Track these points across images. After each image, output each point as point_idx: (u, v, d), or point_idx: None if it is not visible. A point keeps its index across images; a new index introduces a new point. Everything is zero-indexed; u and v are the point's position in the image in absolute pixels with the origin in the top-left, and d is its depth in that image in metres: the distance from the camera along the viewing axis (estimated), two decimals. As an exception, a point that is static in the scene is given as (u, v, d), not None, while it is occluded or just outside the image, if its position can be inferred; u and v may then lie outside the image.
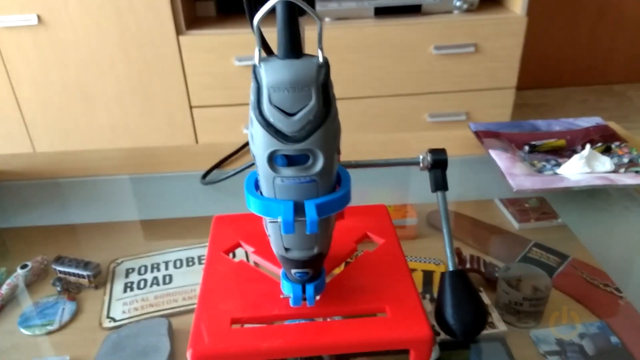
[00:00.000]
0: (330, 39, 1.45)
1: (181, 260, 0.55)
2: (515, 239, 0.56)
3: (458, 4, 1.49)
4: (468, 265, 0.51)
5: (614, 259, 0.51)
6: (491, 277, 0.49)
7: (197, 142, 1.59)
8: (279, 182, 0.29)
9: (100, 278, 0.52)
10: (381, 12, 1.47)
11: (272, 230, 0.32)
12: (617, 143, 0.60)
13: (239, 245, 0.44)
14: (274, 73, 0.27)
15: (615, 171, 0.55)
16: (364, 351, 0.34)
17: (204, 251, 0.55)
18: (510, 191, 0.59)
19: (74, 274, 0.51)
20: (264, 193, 0.30)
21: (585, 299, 0.48)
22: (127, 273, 0.54)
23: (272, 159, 0.29)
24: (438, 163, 0.38)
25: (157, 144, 1.58)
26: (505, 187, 0.60)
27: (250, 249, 0.43)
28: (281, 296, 0.35)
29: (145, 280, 0.53)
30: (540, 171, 0.58)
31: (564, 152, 0.63)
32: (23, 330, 0.46)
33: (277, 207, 0.30)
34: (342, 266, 0.46)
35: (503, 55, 1.53)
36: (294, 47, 0.27)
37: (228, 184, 0.62)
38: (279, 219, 0.29)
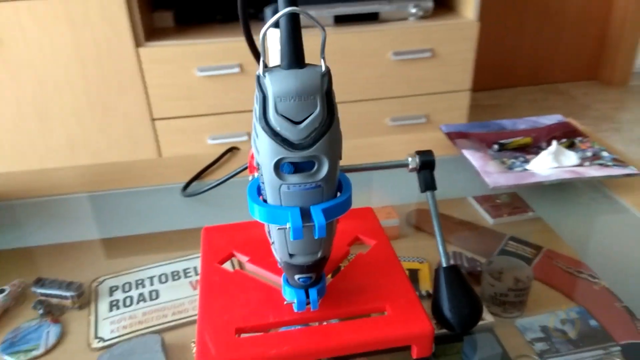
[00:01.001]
0: (291, 48, 1.46)
1: (166, 275, 0.55)
2: (492, 234, 0.58)
3: (413, 11, 1.53)
4: (452, 262, 0.53)
5: (587, 247, 0.54)
6: (474, 272, 0.51)
7: (160, 155, 1.56)
8: (285, 189, 0.30)
9: (84, 298, 0.51)
10: (340, 20, 1.50)
11: (277, 237, 0.32)
12: (579, 138, 0.64)
13: (232, 256, 0.44)
14: (281, 83, 0.28)
15: (580, 165, 0.58)
16: (368, 350, 0.35)
17: (190, 264, 0.55)
18: (484, 188, 0.61)
19: (56, 296, 0.50)
20: (269, 200, 0.31)
21: (563, 287, 0.51)
22: (111, 291, 0.52)
23: (278, 166, 0.29)
24: (426, 164, 0.39)
25: (118, 159, 1.54)
26: (478, 185, 0.63)
27: (244, 258, 0.43)
28: (285, 302, 0.36)
29: (131, 297, 0.52)
30: (510, 168, 0.61)
31: (531, 149, 0.66)
32: (7, 358, 0.45)
33: (284, 213, 0.30)
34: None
35: (458, 59, 1.59)
36: (298, 57, 0.28)
37: (207, 195, 0.62)
38: (287, 226, 0.30)
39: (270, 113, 0.28)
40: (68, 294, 0.50)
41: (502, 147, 0.65)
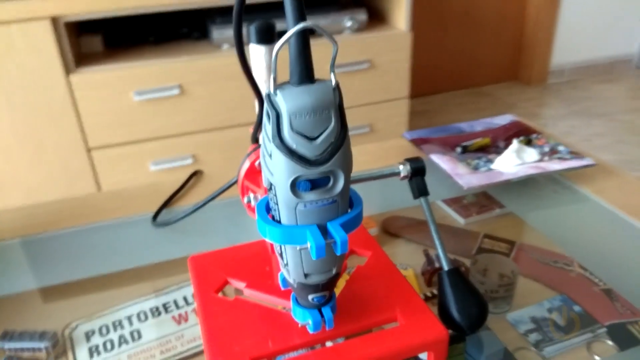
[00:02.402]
0: (231, 65, 1.44)
1: (145, 313, 0.51)
2: (467, 234, 0.60)
3: (349, 24, 1.57)
4: (437, 265, 0.53)
5: (557, 236, 0.56)
6: (460, 272, 0.52)
7: (99, 187, 1.48)
8: (301, 208, 0.29)
9: (59, 348, 0.47)
10: (279, 35, 1.50)
11: (292, 257, 0.31)
12: (534, 135, 0.68)
13: (226, 283, 0.42)
14: (295, 100, 0.27)
15: (541, 160, 0.61)
16: (389, 363, 0.34)
17: (169, 298, 0.52)
18: (455, 190, 0.63)
19: (28, 349, 0.45)
20: (284, 221, 0.30)
21: (542, 278, 0.53)
22: (88, 336, 0.48)
23: (294, 185, 0.28)
24: (417, 171, 0.40)
25: (54, 196, 1.44)
26: (447, 188, 0.65)
27: (241, 284, 0.41)
28: (300, 325, 0.34)
29: (112, 341, 0.48)
30: (476, 168, 0.63)
31: (490, 149, 0.69)
32: None
33: (301, 233, 0.29)
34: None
35: (394, 68, 1.64)
36: (309, 73, 0.28)
37: (175, 224, 0.59)
38: (308, 245, 0.29)
39: (285, 131, 0.27)
40: (42, 345, 0.45)
41: (465, 150, 0.68)
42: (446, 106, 2.62)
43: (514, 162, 0.61)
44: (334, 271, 0.33)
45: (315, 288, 0.33)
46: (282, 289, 0.38)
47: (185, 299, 0.52)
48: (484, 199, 0.65)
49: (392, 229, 0.60)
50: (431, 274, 0.52)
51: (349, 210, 0.31)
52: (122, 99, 1.39)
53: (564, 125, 2.35)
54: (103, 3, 1.30)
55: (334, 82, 0.28)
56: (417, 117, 2.50)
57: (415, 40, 2.45)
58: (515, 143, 0.62)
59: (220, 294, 0.40)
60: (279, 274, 0.38)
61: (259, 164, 0.39)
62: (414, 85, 2.60)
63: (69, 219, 0.61)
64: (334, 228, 0.29)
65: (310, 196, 0.29)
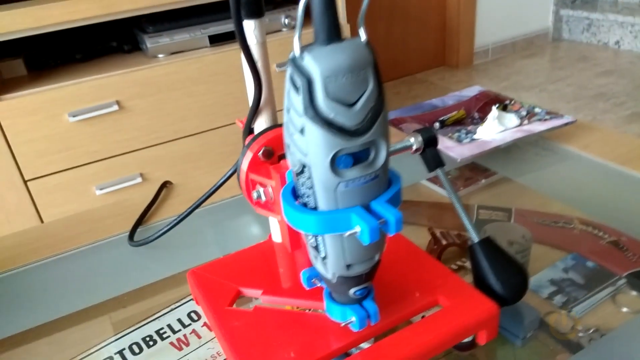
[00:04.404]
0: (170, 75, 1.37)
1: (138, 344, 0.45)
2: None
3: (286, 21, 1.53)
4: (444, 242, 0.51)
5: (552, 195, 0.56)
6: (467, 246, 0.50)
7: (41, 220, 1.35)
8: (342, 188, 0.25)
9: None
10: (216, 39, 1.44)
11: (333, 248, 0.27)
12: (508, 102, 0.68)
13: (239, 294, 0.37)
14: (329, 60, 0.23)
15: (521, 124, 0.61)
16: (443, 351, 0.31)
17: (160, 324, 0.46)
18: (448, 164, 0.61)
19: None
20: (322, 206, 0.26)
21: (548, 239, 0.52)
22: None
23: (334, 162, 0.24)
24: (430, 141, 0.37)
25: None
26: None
27: (256, 292, 0.37)
28: (342, 324, 0.31)
29: (107, 383, 0.42)
30: (459, 141, 0.62)
31: (466, 120, 0.68)
32: None
33: (345, 217, 0.26)
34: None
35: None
36: (337, 30, 0.24)
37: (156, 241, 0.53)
38: (357, 229, 0.25)
39: (320, 99, 0.23)
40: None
41: (442, 124, 0.66)
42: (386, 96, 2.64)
43: (496, 129, 0.60)
44: (376, 258, 0.29)
45: (358, 280, 0.29)
46: (308, 288, 0.34)
47: (180, 321, 0.47)
48: (467, 172, 0.64)
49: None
50: (440, 251, 0.50)
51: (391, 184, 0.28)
52: (55, 123, 1.28)
53: (499, 101, 2.44)
54: (19, 22, 1.19)
55: (364, 38, 0.25)
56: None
57: (351, 34, 2.45)
58: (495, 110, 0.61)
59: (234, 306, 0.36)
60: (302, 272, 0.34)
61: (264, 152, 0.35)
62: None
63: (16, 258, 0.53)
64: (382, 206, 0.26)
65: (352, 173, 0.25)
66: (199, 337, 0.44)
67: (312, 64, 0.23)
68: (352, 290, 0.29)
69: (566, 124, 0.60)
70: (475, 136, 0.61)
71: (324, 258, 0.28)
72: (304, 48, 0.24)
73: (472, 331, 0.32)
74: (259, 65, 0.36)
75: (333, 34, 0.24)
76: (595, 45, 2.95)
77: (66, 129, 1.29)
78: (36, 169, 1.30)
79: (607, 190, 0.56)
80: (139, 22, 1.45)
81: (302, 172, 0.26)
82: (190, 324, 0.46)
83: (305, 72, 0.23)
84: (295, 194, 0.28)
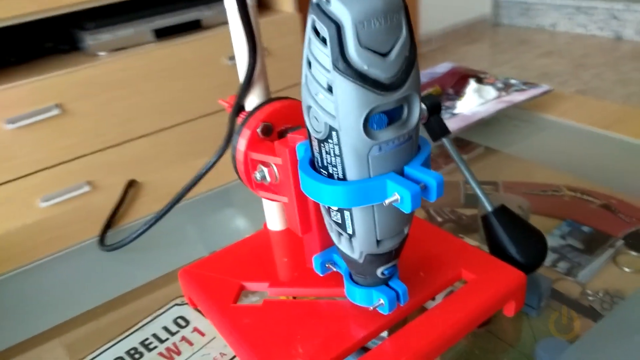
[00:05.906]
0: (115, 73, 1.29)
1: (122, 359, 0.41)
2: (451, 185, 0.57)
3: (234, 11, 1.48)
4: (439, 219, 0.49)
5: (538, 163, 0.55)
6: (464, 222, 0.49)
7: (-19, 238, 1.24)
8: (375, 153, 0.22)
9: None
10: (162, 33, 1.37)
11: (363, 223, 0.24)
12: (482, 75, 0.67)
13: (242, 289, 0.33)
14: (361, 2, 0.20)
15: (499, 96, 0.60)
16: (476, 325, 0.29)
17: (144, 334, 0.41)
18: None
19: None
20: (352, 176, 0.23)
21: (540, 208, 0.51)
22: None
23: (367, 122, 0.21)
24: (435, 109, 0.35)
25: None
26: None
27: (262, 285, 0.33)
28: (371, 308, 0.28)
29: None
30: (439, 117, 0.60)
31: (441, 97, 0.66)
32: None
33: (380, 185, 0.23)
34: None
35: (288, 53, 1.58)
36: None
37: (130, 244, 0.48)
38: (396, 197, 0.22)
39: (351, 48, 0.20)
40: None
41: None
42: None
43: (476, 102, 0.59)
44: (405, 231, 0.26)
45: (387, 257, 0.26)
46: (322, 274, 0.31)
47: (166, 329, 0.42)
48: (444, 151, 0.62)
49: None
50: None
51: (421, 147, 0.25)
52: (-10, 131, 1.17)
53: (447, 87, 2.49)
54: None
55: None
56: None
57: (303, 25, 2.42)
58: (473, 83, 0.60)
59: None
60: (314, 257, 0.30)
61: (263, 128, 0.31)
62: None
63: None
64: (418, 170, 0.23)
65: (387, 134, 0.22)
66: (191, 343, 0.40)
67: (342, 8, 0.20)
68: (380, 270, 0.27)
69: (545, 92, 0.60)
70: (455, 111, 0.60)
71: (351, 236, 0.25)
72: (327, -11, 0.21)
73: (502, 303, 0.30)
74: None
75: (359, -27, 0.21)
76: (533, 29, 3.07)
77: (3, 137, 1.19)
78: (-28, 183, 1.19)
79: (591, 155, 0.56)
80: (76, 20, 1.35)
81: (327, 139, 0.22)
82: (178, 331, 0.41)
83: (335, 16, 0.20)
84: (314, 166, 0.25)
